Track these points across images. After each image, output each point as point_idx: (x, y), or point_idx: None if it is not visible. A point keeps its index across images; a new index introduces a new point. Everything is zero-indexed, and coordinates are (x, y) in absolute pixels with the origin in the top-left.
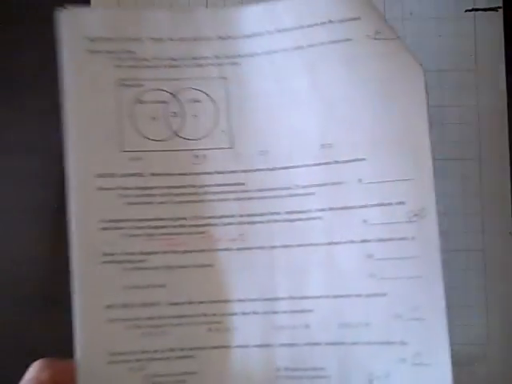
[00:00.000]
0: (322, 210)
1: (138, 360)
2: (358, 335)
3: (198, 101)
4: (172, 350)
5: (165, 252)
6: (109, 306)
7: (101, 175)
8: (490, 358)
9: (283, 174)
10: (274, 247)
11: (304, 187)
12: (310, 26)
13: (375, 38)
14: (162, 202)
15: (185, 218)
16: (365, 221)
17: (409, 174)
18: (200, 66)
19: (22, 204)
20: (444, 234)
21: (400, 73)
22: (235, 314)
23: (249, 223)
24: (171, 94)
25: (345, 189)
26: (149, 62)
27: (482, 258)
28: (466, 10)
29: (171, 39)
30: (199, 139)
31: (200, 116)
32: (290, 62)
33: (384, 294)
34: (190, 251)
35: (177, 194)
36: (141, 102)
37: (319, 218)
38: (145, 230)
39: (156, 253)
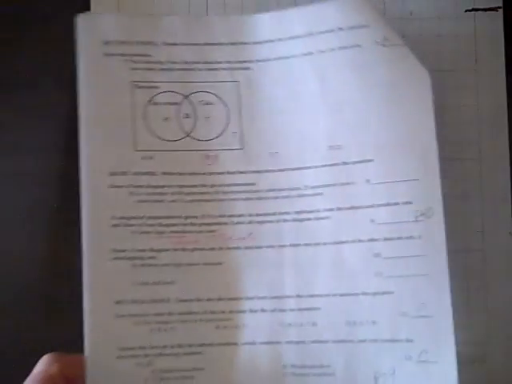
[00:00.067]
0: (331, 209)
1: (146, 355)
2: (364, 333)
3: (209, 103)
4: (180, 346)
5: (175, 249)
6: (118, 302)
7: (113, 173)
8: (490, 358)
9: (292, 174)
10: (282, 246)
11: (313, 188)
12: (320, 33)
13: (383, 45)
14: (172, 201)
15: (195, 217)
16: (372, 220)
17: (416, 174)
18: (212, 69)
19: (22, 204)
20: None
21: (407, 77)
22: (243, 311)
23: (258, 222)
24: (184, 96)
25: (353, 189)
26: (163, 65)
27: (482, 258)
28: (466, 10)
29: (185, 44)
30: (210, 140)
31: (212, 118)
32: (300, 67)
33: (391, 292)
34: (200, 249)
35: (188, 193)
36: (154, 103)
37: (327, 217)
38: (155, 227)
39: (166, 250)
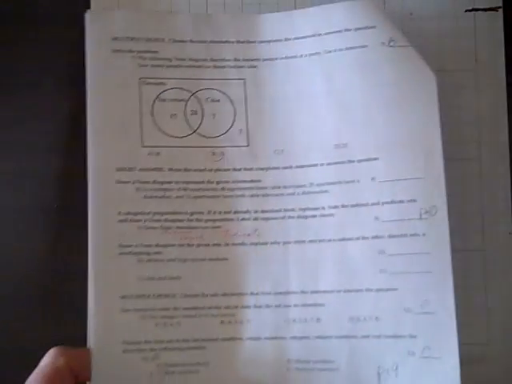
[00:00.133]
0: (335, 207)
1: (151, 349)
2: (368, 329)
3: (216, 100)
4: (185, 340)
5: (180, 245)
6: (124, 297)
7: (120, 169)
8: (489, 358)
9: (298, 172)
10: (287, 243)
11: (318, 185)
12: (327, 33)
13: (390, 46)
14: (179, 197)
15: (201, 213)
16: (377, 218)
17: (420, 172)
18: (219, 67)
19: (22, 204)
20: None
21: (413, 78)
22: (248, 306)
23: (264, 219)
24: (191, 93)
25: (358, 187)
26: (171, 62)
27: (481, 258)
28: (466, 10)
29: (192, 41)
30: (217, 137)
31: (218, 115)
32: (306, 67)
33: (394, 289)
34: (205, 245)
35: (194, 189)
36: (162, 99)
37: (332, 214)
38: (161, 223)
39: (172, 245)
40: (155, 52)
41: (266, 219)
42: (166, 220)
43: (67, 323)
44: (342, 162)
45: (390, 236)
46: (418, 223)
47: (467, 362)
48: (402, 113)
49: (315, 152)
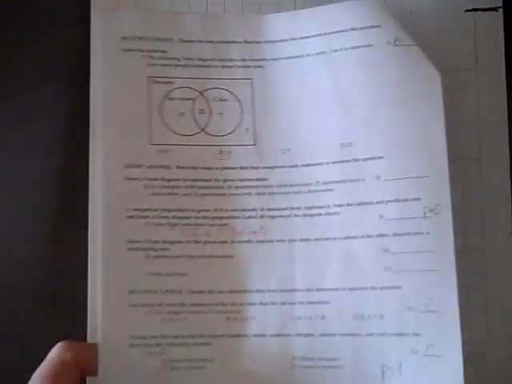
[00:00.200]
0: (341, 205)
1: (158, 344)
2: (372, 327)
3: (224, 99)
4: (191, 336)
5: (187, 242)
6: (132, 292)
7: (129, 166)
8: (489, 358)
9: (304, 170)
10: (293, 240)
11: (324, 184)
12: (333, 32)
13: (395, 45)
14: (186, 194)
15: (208, 210)
16: (381, 216)
17: (425, 171)
18: (227, 67)
19: (22, 204)
20: None
21: (418, 77)
22: (254, 303)
23: (270, 217)
24: (199, 92)
25: (363, 185)
26: (179, 62)
27: (481, 258)
28: (466, 10)
29: (200, 41)
30: (224, 136)
31: (225, 114)
32: (312, 66)
33: (399, 287)
34: (212, 242)
35: (201, 187)
36: (170, 98)
37: (337, 213)
38: (169, 219)
39: (179, 242)
40: (164, 51)
41: (272, 217)
42: (173, 217)
43: (67, 323)
44: (347, 161)
45: (395, 234)
46: (423, 221)
47: (467, 362)
48: (407, 111)
49: (321, 151)
